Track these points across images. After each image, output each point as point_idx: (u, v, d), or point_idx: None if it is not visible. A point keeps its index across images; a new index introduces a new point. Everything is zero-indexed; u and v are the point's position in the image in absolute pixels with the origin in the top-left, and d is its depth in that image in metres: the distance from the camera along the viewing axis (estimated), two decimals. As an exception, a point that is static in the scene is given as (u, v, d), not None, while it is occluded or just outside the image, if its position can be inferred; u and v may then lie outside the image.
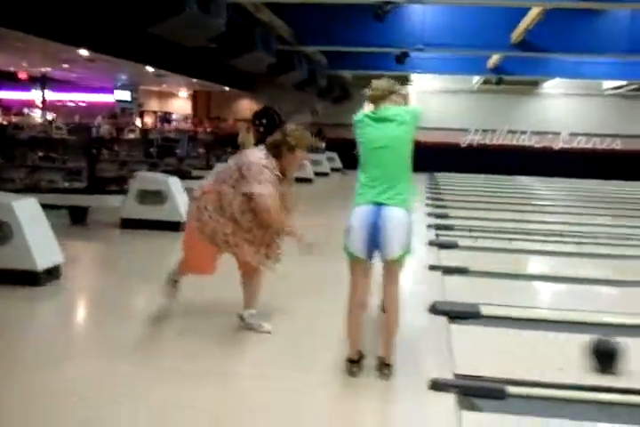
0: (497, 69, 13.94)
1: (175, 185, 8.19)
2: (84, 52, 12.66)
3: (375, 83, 3.62)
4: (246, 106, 21.69)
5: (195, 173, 12.97)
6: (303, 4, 9.85)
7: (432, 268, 6.37)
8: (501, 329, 4.46)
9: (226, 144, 17.32)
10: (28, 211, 5.33)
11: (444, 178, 16.68)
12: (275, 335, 4.26)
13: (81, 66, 16.13)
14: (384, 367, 3.59)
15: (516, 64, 13.69)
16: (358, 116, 3.61)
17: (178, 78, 17.93)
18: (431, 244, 7.69)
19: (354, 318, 3.61)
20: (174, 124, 22.28)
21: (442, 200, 12.25)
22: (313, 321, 4.60)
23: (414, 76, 18.07)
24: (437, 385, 3.44)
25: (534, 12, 8.43)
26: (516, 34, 9.45)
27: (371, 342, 3.86)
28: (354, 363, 3.62)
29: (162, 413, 3.14)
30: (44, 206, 8.04)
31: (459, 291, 5.54)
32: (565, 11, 9.72)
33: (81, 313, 5.04)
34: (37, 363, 3.71)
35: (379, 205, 3.42)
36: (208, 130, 19.48)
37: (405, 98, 3.96)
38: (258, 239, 4.04)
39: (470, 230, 8.60)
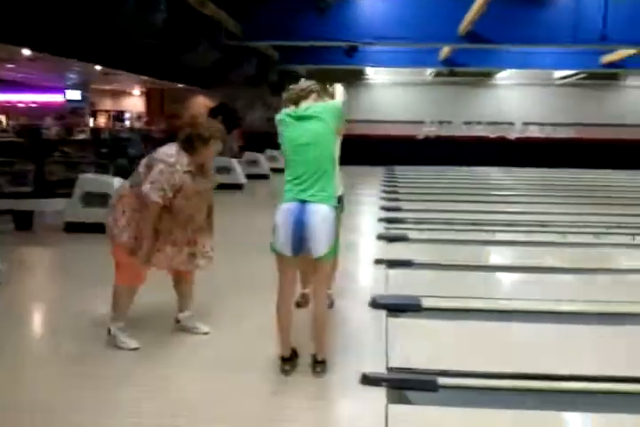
0: (448, 61, 14.00)
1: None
2: (26, 52, 12.35)
3: (292, 86, 3.65)
4: (201, 103, 21.47)
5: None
6: (249, -2, 9.76)
7: (377, 262, 6.36)
8: (440, 321, 4.46)
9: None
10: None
11: (400, 171, 16.73)
12: (209, 336, 4.19)
13: (26, 66, 15.75)
14: (316, 364, 3.55)
15: (467, 56, 13.76)
16: (279, 115, 3.59)
17: (128, 76, 17.65)
18: (380, 237, 7.67)
19: (283, 316, 3.56)
20: (127, 123, 21.93)
21: (396, 193, 12.27)
22: (249, 320, 4.53)
23: (370, 70, 18.05)
24: (368, 379, 3.41)
25: (478, 3, 8.45)
26: (463, 25, 9.46)
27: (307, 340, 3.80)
28: (286, 361, 3.58)
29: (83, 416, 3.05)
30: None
31: (402, 284, 5.53)
32: (510, 1, 9.79)
33: (11, 319, 4.86)
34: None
35: (303, 202, 3.39)
36: (162, 128, 19.21)
37: (332, 95, 3.93)
38: (179, 239, 3.91)
39: (419, 223, 8.61)
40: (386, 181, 14.42)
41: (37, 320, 4.95)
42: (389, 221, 8.90)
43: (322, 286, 3.56)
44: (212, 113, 21.22)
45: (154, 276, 4.13)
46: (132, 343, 3.95)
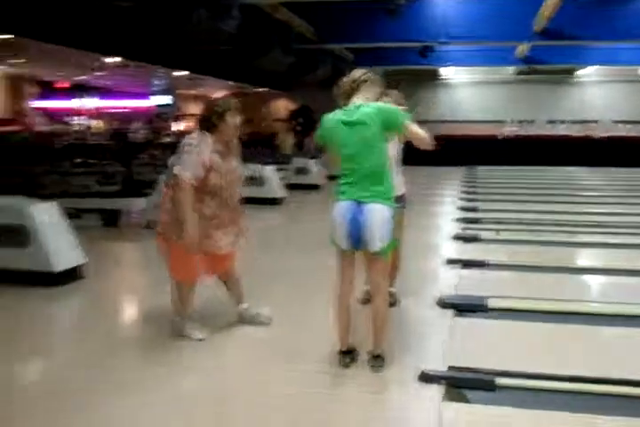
0: (526, 59, 13.67)
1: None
2: (112, 60, 13.00)
3: (343, 78, 3.62)
4: (283, 106, 21.83)
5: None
6: (322, 2, 9.88)
7: (450, 262, 6.32)
8: (507, 322, 4.39)
9: (262, 144, 17.52)
10: (46, 215, 5.51)
11: (481, 171, 16.44)
12: (266, 328, 4.32)
13: (115, 73, 16.54)
14: (374, 359, 3.60)
15: (546, 53, 13.40)
16: (327, 119, 3.58)
17: (212, 81, 18.19)
18: (455, 238, 7.61)
19: (340, 309, 3.63)
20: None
21: (475, 193, 12.10)
22: (306, 313, 4.61)
23: (449, 69, 17.87)
24: (426, 376, 3.43)
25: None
26: (538, 22, 9.25)
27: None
28: (345, 354, 3.64)
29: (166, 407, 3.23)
30: (81, 210, 8.38)
31: (473, 285, 5.48)
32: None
33: (92, 312, 5.14)
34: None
35: (359, 202, 3.45)
36: (244, 131, 19.62)
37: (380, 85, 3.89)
38: (226, 221, 4.00)
39: (497, 223, 8.47)
40: (466, 182, 14.22)
41: (120, 310, 5.22)
42: (466, 221, 8.80)
43: (380, 280, 3.61)
44: (293, 115, 21.60)
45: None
46: (198, 334, 4.12)
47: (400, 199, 4.26)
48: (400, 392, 3.42)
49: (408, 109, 3.94)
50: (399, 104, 4.03)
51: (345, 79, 3.61)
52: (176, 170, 3.81)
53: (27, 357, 3.97)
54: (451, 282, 5.53)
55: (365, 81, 3.58)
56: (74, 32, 10.26)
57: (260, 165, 11.34)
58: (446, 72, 18.31)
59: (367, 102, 3.54)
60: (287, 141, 17.19)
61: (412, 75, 17.69)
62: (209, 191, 3.88)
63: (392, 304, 4.67)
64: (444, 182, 14.44)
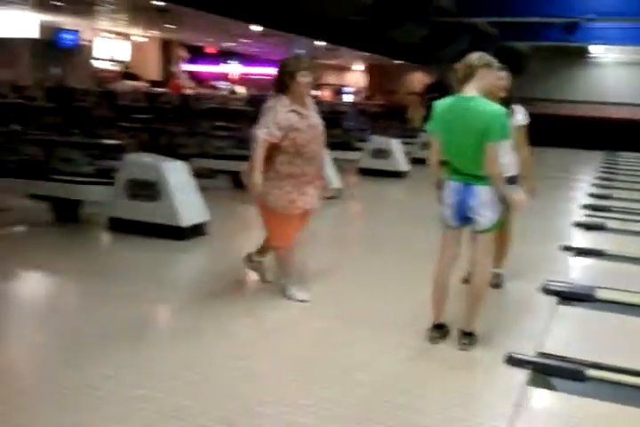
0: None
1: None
2: (256, 28, 13.45)
3: (460, 63, 3.53)
4: (418, 79, 21.56)
5: (357, 144, 13.33)
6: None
7: (566, 248, 6.13)
8: (611, 314, 4.26)
9: (394, 117, 17.48)
10: (176, 173, 5.95)
11: (621, 157, 15.48)
12: (362, 294, 4.45)
13: (259, 41, 17.09)
14: (464, 336, 3.65)
15: None
16: (439, 105, 3.58)
17: (349, 52, 18.33)
18: (577, 225, 7.35)
19: (438, 284, 3.70)
20: (348, 97, 22.75)
21: (611, 180, 11.48)
22: (409, 285, 4.69)
23: (598, 48, 16.79)
24: (513, 360, 3.44)
25: None
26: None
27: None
28: (436, 329, 3.72)
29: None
30: (215, 171, 8.88)
31: (585, 273, 5.33)
32: None
33: (214, 264, 5.53)
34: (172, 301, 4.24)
35: (466, 184, 3.51)
36: (379, 103, 19.67)
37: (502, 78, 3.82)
38: (313, 177, 4.15)
39: (627, 213, 8.05)
40: (603, 167, 13.50)
41: (233, 266, 5.57)
42: (593, 208, 8.43)
43: (479, 258, 3.63)
44: (429, 90, 21.28)
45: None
46: (300, 295, 4.32)
47: (511, 180, 4.21)
48: (484, 373, 3.45)
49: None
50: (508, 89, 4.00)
51: (460, 63, 3.53)
52: (253, 131, 4.01)
53: (154, 295, 4.37)
54: (561, 269, 5.40)
55: (482, 66, 3.48)
56: (223, 1, 10.77)
57: (386, 138, 11.40)
58: (596, 50, 17.21)
59: (480, 94, 3.47)
60: (417, 115, 17.02)
61: (558, 52, 16.82)
62: (295, 151, 4.02)
63: (496, 285, 4.68)
64: (578, 166, 13.78)
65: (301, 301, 4.30)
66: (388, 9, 8.72)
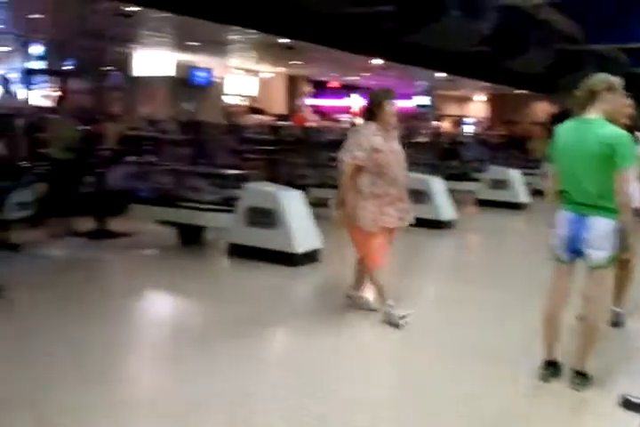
0: None
1: (437, 185, 8.56)
2: (377, 62, 13.74)
3: (581, 86, 3.38)
4: (542, 109, 20.99)
5: (476, 175, 13.16)
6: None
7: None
8: None
9: (516, 148, 17.06)
10: (293, 202, 6.19)
11: None
12: (469, 327, 4.40)
13: (380, 74, 17.41)
14: (575, 376, 3.49)
15: None
16: (560, 129, 3.45)
17: (470, 83, 18.22)
18: None
19: (547, 320, 3.57)
20: (467, 127, 22.54)
21: None
22: (511, 317, 4.57)
23: None
24: (628, 404, 3.24)
25: None
26: None
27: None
28: (547, 366, 3.58)
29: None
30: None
31: None
32: None
33: (324, 290, 5.63)
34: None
35: (582, 214, 3.35)
36: (500, 133, 19.33)
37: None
38: (395, 197, 4.34)
39: None
40: None
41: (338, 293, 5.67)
42: None
43: (593, 294, 3.46)
44: (554, 120, 20.64)
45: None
46: (401, 312, 4.37)
47: (638, 212, 3.99)
48: (596, 415, 3.27)
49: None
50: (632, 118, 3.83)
51: (582, 86, 3.38)
52: (339, 156, 4.32)
53: (267, 318, 4.55)
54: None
55: (605, 89, 3.31)
56: (343, 36, 11.15)
57: (505, 168, 11.18)
58: None
59: (603, 116, 3.31)
60: (541, 146, 16.53)
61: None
62: (378, 171, 4.26)
63: (615, 324, 4.45)
64: None
65: (402, 317, 4.34)
66: (511, 38, 8.65)
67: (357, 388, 3.43)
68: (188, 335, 4.15)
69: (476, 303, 5.09)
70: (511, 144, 17.54)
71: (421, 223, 8.09)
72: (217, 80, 18.05)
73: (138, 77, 16.87)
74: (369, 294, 4.76)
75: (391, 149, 4.33)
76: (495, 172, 11.16)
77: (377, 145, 4.25)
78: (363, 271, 4.69)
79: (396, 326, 4.33)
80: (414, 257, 6.98)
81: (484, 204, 10.86)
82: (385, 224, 4.37)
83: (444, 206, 8.49)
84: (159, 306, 5.15)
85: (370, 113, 4.39)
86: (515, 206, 10.63)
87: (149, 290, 5.35)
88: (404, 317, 4.35)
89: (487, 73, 15.57)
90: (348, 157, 4.26)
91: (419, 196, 8.40)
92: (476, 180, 12.00)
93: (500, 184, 10.88)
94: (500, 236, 9.02)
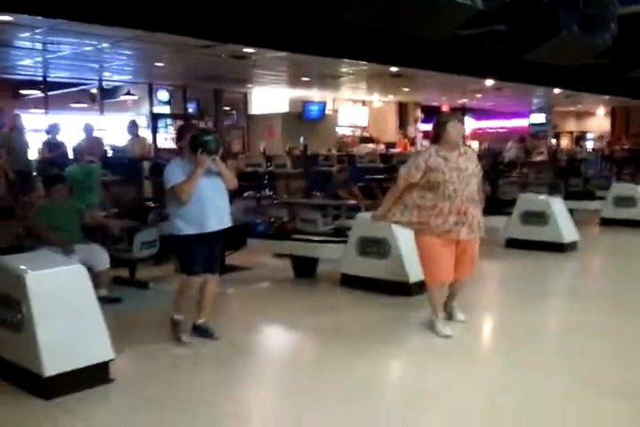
0: None
1: (558, 206, 8.25)
2: (488, 82, 13.55)
3: None
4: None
5: (600, 193, 12.54)
6: None
7: None
8: None
9: (640, 161, 16.15)
10: (403, 230, 6.17)
11: None
12: (600, 358, 4.18)
13: (492, 95, 17.12)
14: None
15: None
16: None
17: (590, 97, 17.48)
18: None
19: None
20: (589, 143, 21.57)
21: None
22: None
23: None
24: None
25: None
26: None
27: None
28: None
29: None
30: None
31: None
32: None
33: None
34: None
35: None
36: (625, 147, 18.33)
37: None
38: (445, 210, 4.55)
39: None
40: None
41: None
42: None
43: None
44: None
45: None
46: (445, 331, 4.68)
47: None
48: None
49: None
50: None
51: None
52: (399, 171, 4.79)
53: (383, 351, 4.56)
54: None
55: None
56: (454, 59, 11.11)
57: (632, 184, 10.56)
58: None
59: None
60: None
61: None
62: (429, 187, 4.58)
63: None
64: None
65: (445, 336, 4.62)
66: (632, 48, 8.26)
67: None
68: (300, 371, 4.23)
69: (605, 332, 4.82)
70: (639, 159, 16.61)
71: (543, 246, 8.02)
72: (329, 113, 18.48)
73: (255, 115, 17.64)
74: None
75: (453, 167, 4.56)
76: (621, 188, 10.57)
77: (432, 165, 4.56)
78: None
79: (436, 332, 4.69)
80: (536, 283, 6.72)
81: (610, 223, 10.29)
82: (427, 232, 4.64)
83: (565, 228, 8.14)
84: (273, 340, 5.27)
85: (435, 135, 4.72)
86: (643, 224, 9.99)
87: (263, 323, 5.46)
88: (446, 336, 4.64)
89: (608, 86, 14.87)
90: (404, 172, 4.67)
91: (538, 217, 8.20)
92: (600, 198, 11.44)
93: (625, 201, 10.29)
94: (629, 257, 8.49)
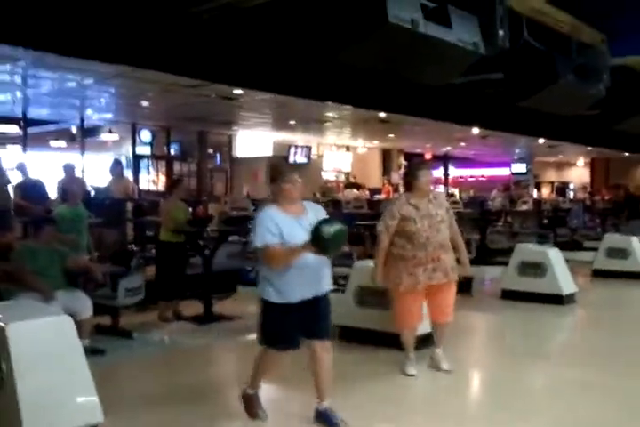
0: None
1: (556, 257, 8.05)
2: (475, 131, 13.56)
3: None
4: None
5: (587, 244, 12.47)
6: None
7: None
8: None
9: (623, 211, 16.21)
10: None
11: None
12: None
13: (477, 143, 17.19)
14: None
15: None
16: None
17: (572, 148, 17.66)
18: None
19: None
20: (571, 193, 21.74)
21: None
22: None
23: None
24: None
25: None
26: None
27: None
28: None
29: None
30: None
31: None
32: None
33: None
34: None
35: None
36: (606, 198, 18.45)
37: None
38: (422, 260, 4.62)
39: None
40: None
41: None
42: None
43: None
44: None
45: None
46: (411, 370, 4.82)
47: None
48: None
49: None
50: None
51: None
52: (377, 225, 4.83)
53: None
54: None
55: None
56: (437, 107, 11.08)
57: (624, 236, 10.47)
58: None
59: None
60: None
61: None
62: (406, 236, 4.64)
63: None
64: None
65: (408, 375, 4.76)
66: (622, 99, 8.28)
67: None
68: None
69: (606, 392, 4.52)
70: (619, 210, 16.69)
71: (540, 298, 7.77)
72: (314, 157, 18.37)
73: (239, 158, 17.43)
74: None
75: (423, 215, 4.64)
76: (612, 240, 10.45)
77: (405, 213, 4.65)
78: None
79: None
80: (535, 337, 6.45)
81: (601, 274, 10.13)
82: (409, 285, 4.66)
83: (563, 279, 7.92)
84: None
85: (407, 183, 4.89)
86: (637, 276, 9.84)
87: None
88: (409, 375, 4.77)
89: (592, 137, 15.02)
90: (382, 226, 4.72)
91: (536, 268, 7.97)
92: (587, 249, 11.38)
93: (618, 253, 10.16)
94: (626, 310, 8.28)
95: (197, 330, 6.59)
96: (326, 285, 3.75)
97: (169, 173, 15.81)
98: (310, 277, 3.61)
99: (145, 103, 11.97)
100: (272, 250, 3.51)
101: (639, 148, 17.80)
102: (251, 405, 3.87)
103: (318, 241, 3.31)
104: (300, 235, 3.47)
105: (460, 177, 24.58)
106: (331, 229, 3.29)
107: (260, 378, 3.86)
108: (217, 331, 6.53)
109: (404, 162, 20.74)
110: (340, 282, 6.27)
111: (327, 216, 3.70)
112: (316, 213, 3.73)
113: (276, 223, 3.54)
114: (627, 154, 18.73)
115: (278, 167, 3.85)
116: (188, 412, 4.07)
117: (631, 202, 14.56)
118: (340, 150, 19.82)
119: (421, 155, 20.82)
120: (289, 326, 3.64)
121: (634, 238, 10.27)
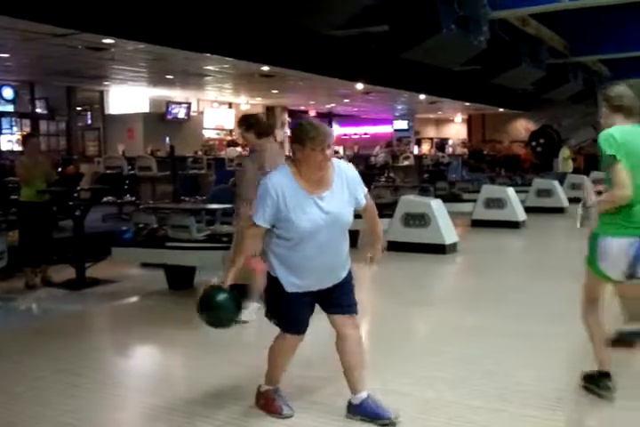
0: None
1: (438, 208, 8.18)
2: (359, 86, 13.48)
3: (619, 90, 3.12)
4: (522, 126, 20.96)
5: (465, 196, 12.86)
6: (576, 11, 9.18)
7: None
8: None
9: (503, 166, 16.94)
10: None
11: None
12: (485, 359, 3.92)
13: (360, 99, 17.18)
14: None
15: None
16: (624, 132, 3.08)
17: (451, 104, 18.07)
18: None
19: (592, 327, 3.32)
20: (449, 149, 22.43)
21: None
22: (531, 347, 4.12)
23: None
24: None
25: None
26: None
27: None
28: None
29: None
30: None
31: None
32: None
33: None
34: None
35: None
36: (485, 153, 19.20)
37: None
38: None
39: None
40: None
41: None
42: None
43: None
44: (533, 136, 20.60)
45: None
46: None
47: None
48: None
49: None
50: None
51: (627, 93, 3.12)
52: None
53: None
54: None
55: None
56: (322, 62, 10.85)
57: (501, 187, 10.88)
58: None
59: None
60: (527, 163, 16.43)
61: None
62: None
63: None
64: None
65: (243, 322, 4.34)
66: (503, 53, 8.41)
67: None
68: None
69: (489, 332, 4.59)
70: (494, 163, 17.41)
71: (425, 249, 7.90)
72: (194, 114, 17.67)
73: (112, 115, 16.45)
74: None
75: None
76: (490, 191, 10.83)
77: None
78: None
79: None
80: (422, 286, 6.54)
81: (480, 224, 10.49)
82: None
83: (446, 230, 8.07)
84: (145, 360, 4.57)
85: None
86: (512, 225, 10.28)
87: (133, 344, 4.75)
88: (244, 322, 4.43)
89: (471, 92, 15.39)
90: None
91: (420, 219, 8.08)
92: (466, 200, 11.81)
93: (495, 203, 10.54)
94: (504, 255, 8.63)
95: (69, 296, 6.13)
96: (345, 272, 3.20)
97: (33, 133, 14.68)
98: (329, 269, 3.11)
99: (4, 55, 10.87)
100: (247, 242, 3.03)
101: (513, 104, 18.53)
102: (269, 402, 3.25)
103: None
104: (314, 216, 2.90)
105: (345, 135, 24.68)
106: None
107: (277, 372, 3.26)
108: (91, 296, 6.10)
109: (288, 119, 20.47)
110: (222, 239, 6.03)
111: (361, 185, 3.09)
112: (345, 181, 3.01)
113: (282, 195, 2.89)
114: (501, 110, 19.44)
115: (310, 131, 2.91)
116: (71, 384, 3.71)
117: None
118: (222, 107, 19.21)
119: (305, 112, 20.61)
120: (308, 308, 3.14)
121: (509, 189, 10.70)
